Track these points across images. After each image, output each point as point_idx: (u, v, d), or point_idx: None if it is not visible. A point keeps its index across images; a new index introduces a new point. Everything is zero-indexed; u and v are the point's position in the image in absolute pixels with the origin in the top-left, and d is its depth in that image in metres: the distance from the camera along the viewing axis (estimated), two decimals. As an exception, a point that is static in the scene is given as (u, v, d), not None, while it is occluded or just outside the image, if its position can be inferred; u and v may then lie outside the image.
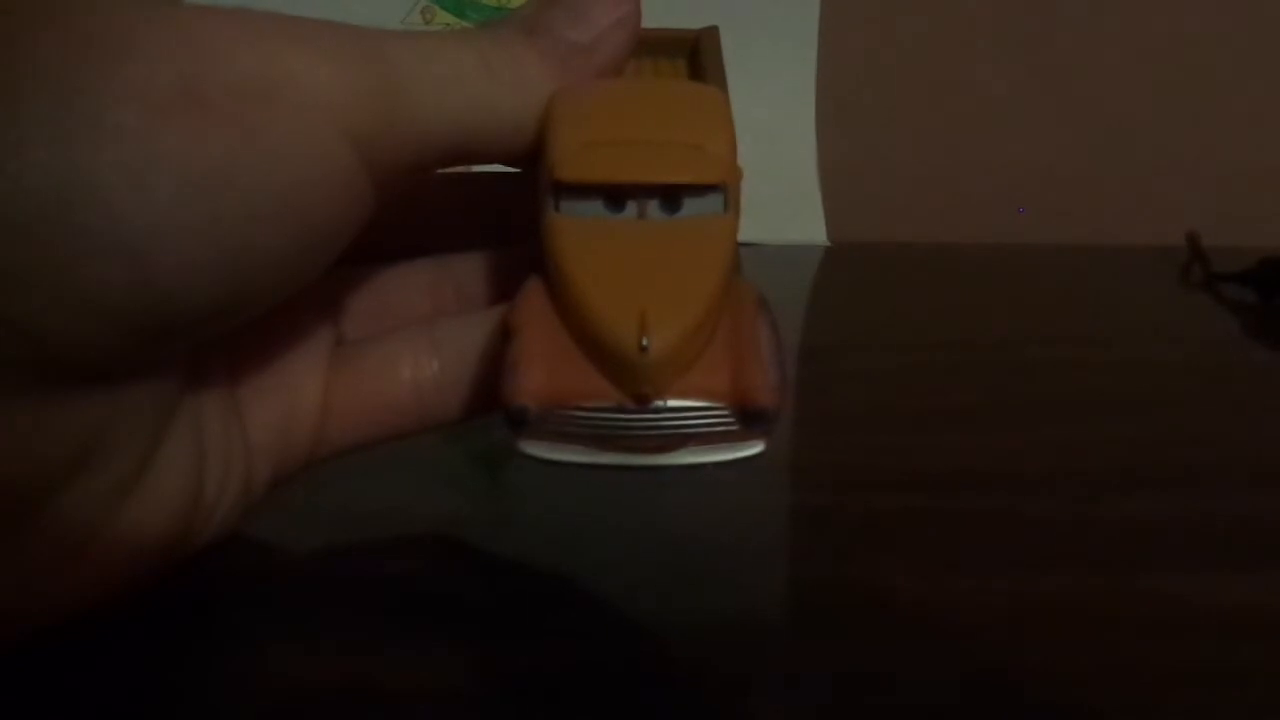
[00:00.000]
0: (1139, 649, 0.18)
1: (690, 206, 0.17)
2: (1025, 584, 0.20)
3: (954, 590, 0.20)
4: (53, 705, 0.16)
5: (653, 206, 0.17)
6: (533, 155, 0.17)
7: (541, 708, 0.16)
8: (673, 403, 0.15)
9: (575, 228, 0.16)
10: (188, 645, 0.18)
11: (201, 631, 0.18)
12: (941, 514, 0.23)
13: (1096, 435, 0.28)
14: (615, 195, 0.17)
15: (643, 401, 0.15)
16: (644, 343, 0.15)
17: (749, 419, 0.15)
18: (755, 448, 0.16)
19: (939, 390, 0.32)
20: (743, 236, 0.17)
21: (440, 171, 0.18)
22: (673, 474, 0.16)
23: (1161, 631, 0.19)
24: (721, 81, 0.20)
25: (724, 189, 0.17)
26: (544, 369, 0.15)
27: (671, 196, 0.17)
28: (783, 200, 0.54)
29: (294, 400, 0.19)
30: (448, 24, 0.55)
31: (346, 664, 0.17)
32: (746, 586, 0.20)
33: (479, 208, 0.21)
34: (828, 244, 0.54)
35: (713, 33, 0.21)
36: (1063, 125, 0.58)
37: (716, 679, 0.17)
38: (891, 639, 0.18)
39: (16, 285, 0.13)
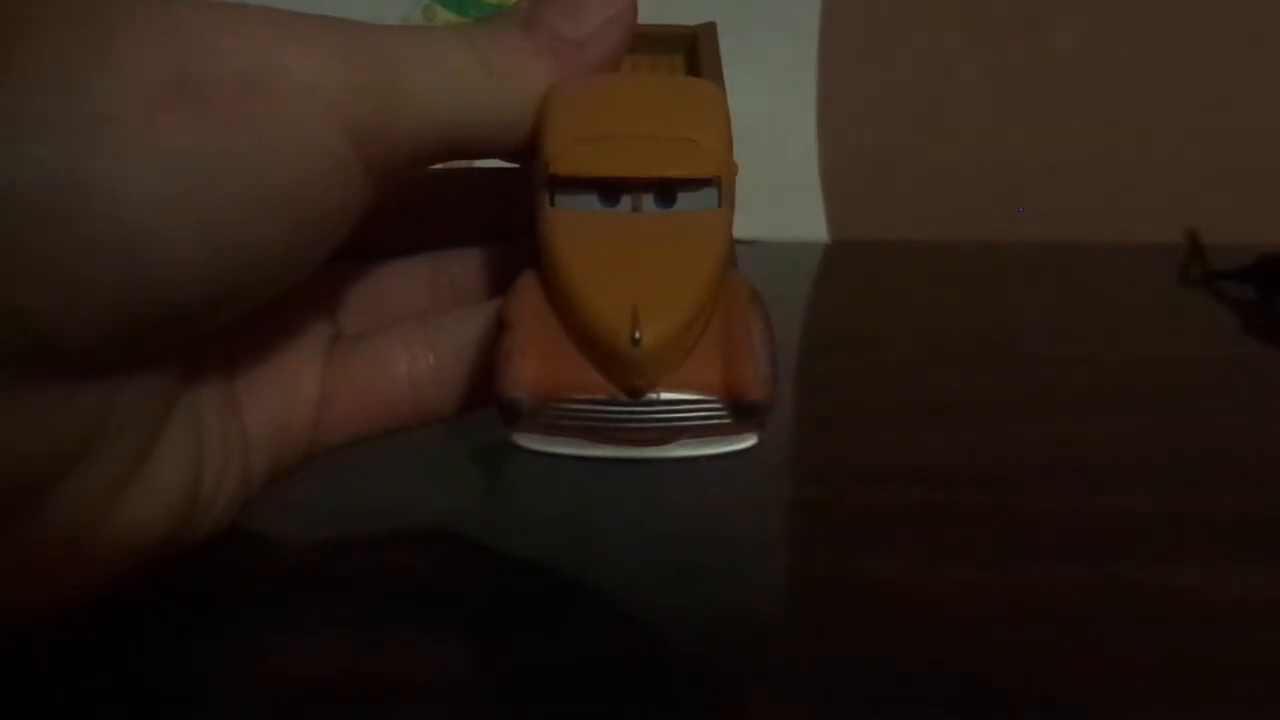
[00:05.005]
0: (1137, 643, 0.18)
1: (685, 201, 0.17)
2: (1024, 579, 0.20)
3: (952, 584, 0.20)
4: (48, 700, 0.16)
5: (647, 201, 0.17)
6: (528, 150, 0.17)
7: (541, 703, 0.16)
8: (665, 396, 0.15)
9: (570, 221, 0.16)
10: (185, 640, 0.18)
11: (200, 626, 0.18)
12: (940, 509, 0.23)
13: (1095, 431, 0.28)
14: (610, 189, 0.17)
15: (635, 394, 0.15)
16: (636, 336, 0.15)
17: (741, 412, 0.15)
18: (748, 441, 0.16)
19: (938, 386, 0.32)
20: (743, 233, 0.17)
21: (436, 167, 0.18)
22: (666, 467, 0.16)
23: (1159, 626, 0.19)
24: (719, 77, 0.20)
25: (718, 183, 0.17)
26: (538, 362, 0.15)
27: (666, 191, 0.17)
28: (783, 197, 0.54)
29: (291, 395, 0.19)
30: (449, 22, 0.55)
31: (345, 659, 0.17)
32: (745, 581, 0.20)
33: (475, 203, 0.21)
34: (828, 241, 0.54)
35: (710, 28, 0.21)
36: (1063, 124, 0.58)
37: (716, 672, 0.17)
38: (890, 632, 0.18)
39: (13, 277, 0.13)
